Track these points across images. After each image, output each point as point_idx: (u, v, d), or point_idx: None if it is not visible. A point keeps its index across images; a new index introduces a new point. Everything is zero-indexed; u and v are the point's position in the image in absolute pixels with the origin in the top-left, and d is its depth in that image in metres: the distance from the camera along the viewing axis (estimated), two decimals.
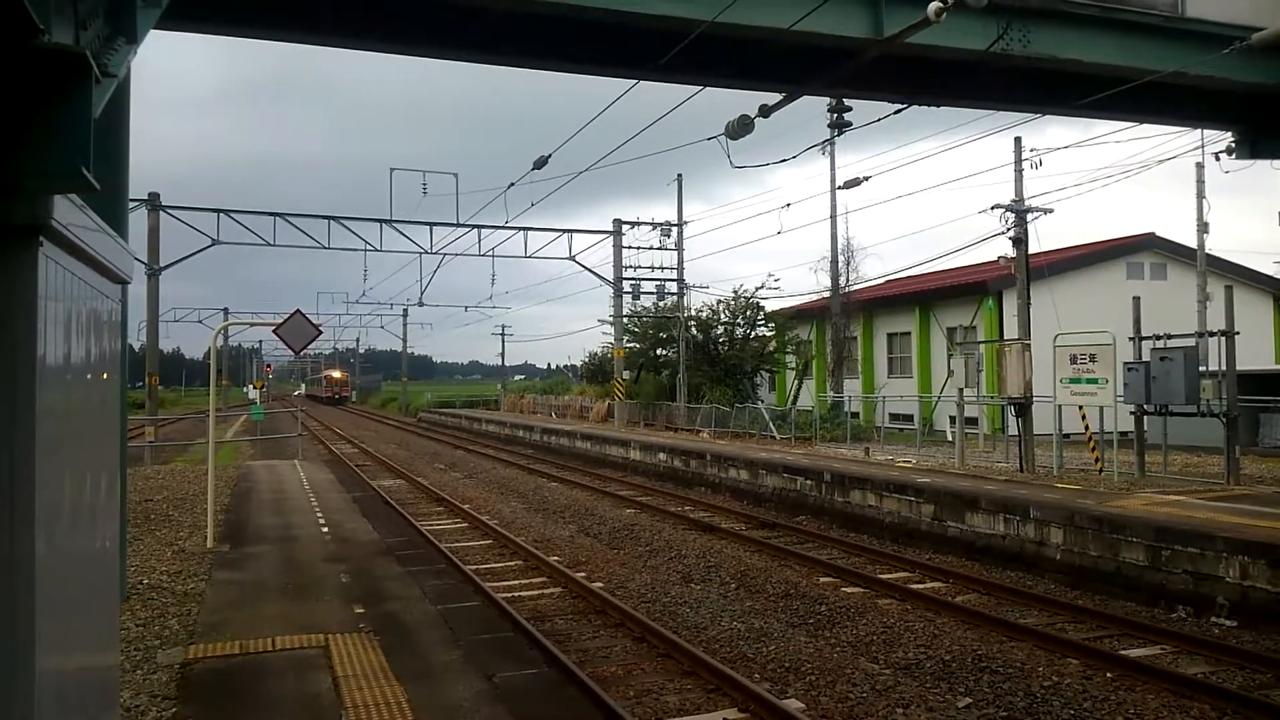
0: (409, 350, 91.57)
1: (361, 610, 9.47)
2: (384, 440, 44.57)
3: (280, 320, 14.55)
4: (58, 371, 3.17)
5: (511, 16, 10.50)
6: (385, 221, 33.74)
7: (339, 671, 7.42)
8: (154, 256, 31.44)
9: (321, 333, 15.74)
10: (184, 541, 13.41)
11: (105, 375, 4.06)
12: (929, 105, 13.43)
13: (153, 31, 7.18)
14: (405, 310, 75.72)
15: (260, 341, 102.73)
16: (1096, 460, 18.57)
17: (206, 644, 8.26)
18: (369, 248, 34.52)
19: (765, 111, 11.94)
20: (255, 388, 55.44)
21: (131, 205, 16.37)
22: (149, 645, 8.29)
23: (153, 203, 31.48)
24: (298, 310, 14.48)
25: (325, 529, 14.63)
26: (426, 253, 35.77)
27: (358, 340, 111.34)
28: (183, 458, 31.00)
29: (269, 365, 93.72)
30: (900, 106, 12.93)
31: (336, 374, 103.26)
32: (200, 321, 66.13)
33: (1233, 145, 15.02)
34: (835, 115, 31.86)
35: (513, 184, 24.71)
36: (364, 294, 77.65)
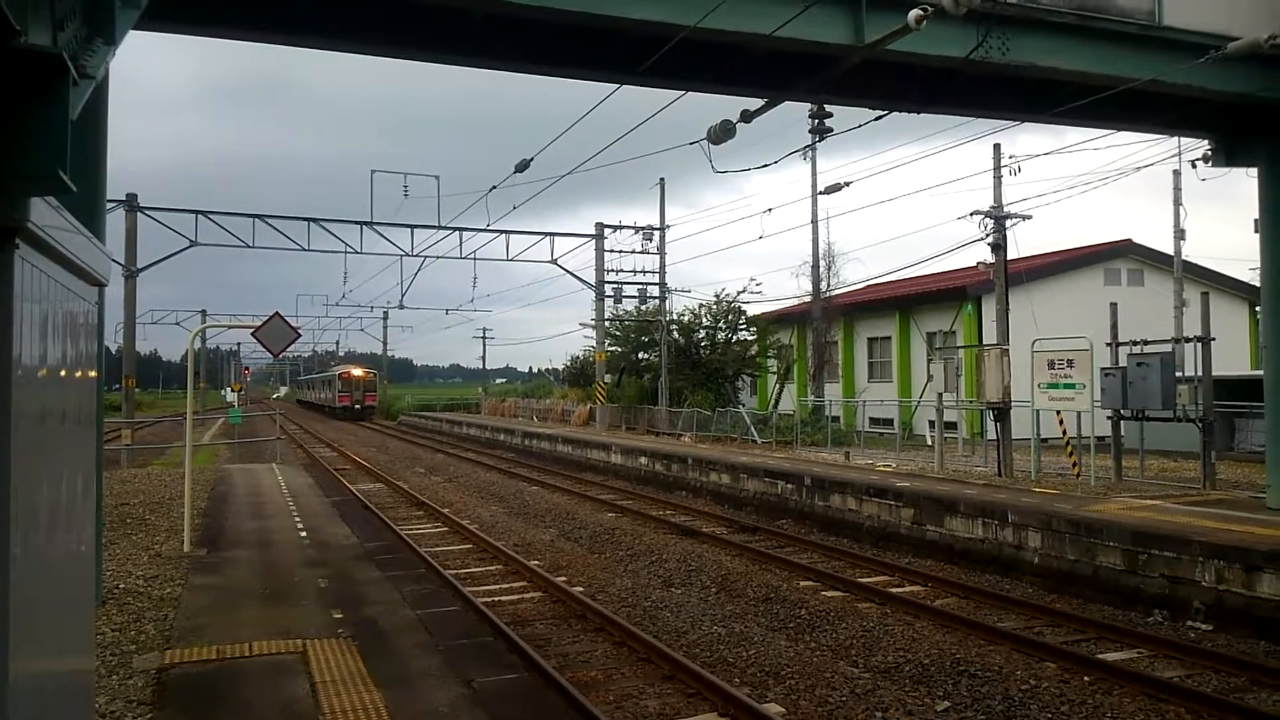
0: (389, 353, 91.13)
1: (340, 615, 9.42)
2: (363, 444, 44.36)
3: (259, 323, 14.46)
4: (33, 374, 3.15)
5: (493, 20, 10.48)
6: (365, 224, 33.56)
7: (317, 677, 7.37)
8: (131, 258, 31.13)
9: (300, 335, 15.65)
10: (161, 546, 13.30)
11: (81, 377, 4.02)
12: (910, 112, 13.51)
13: (131, 32, 7.13)
14: (385, 313, 75.53)
15: (239, 344, 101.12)
16: (1074, 465, 18.72)
17: (183, 649, 8.19)
18: (349, 250, 34.34)
19: (747, 117, 11.97)
20: (233, 390, 55.07)
21: (109, 206, 16.26)
22: (125, 650, 8.21)
23: (130, 204, 31.19)
24: (276, 313, 14.38)
25: (303, 533, 14.53)
26: (407, 255, 35.60)
27: (337, 343, 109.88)
28: (160, 461, 30.75)
29: (247, 368, 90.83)
30: (881, 113, 12.99)
31: (358, 371, 72.59)
32: (178, 324, 65.46)
33: (1209, 153, 15.17)
34: (816, 121, 32.08)
35: (494, 187, 24.70)
36: (344, 296, 77.26)
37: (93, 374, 4.36)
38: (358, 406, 69.12)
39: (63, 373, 3.64)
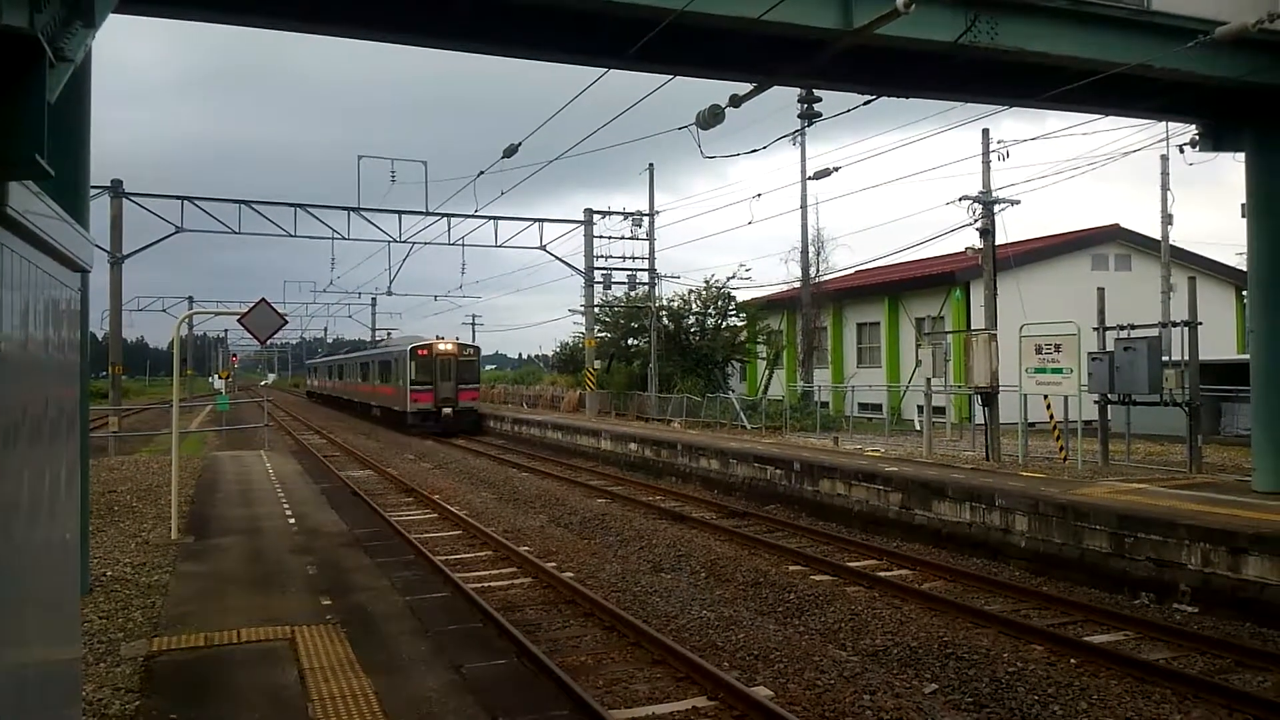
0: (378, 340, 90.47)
1: (329, 602, 9.40)
2: (352, 430, 44.22)
3: (246, 309, 14.37)
4: (14, 362, 3.11)
5: (478, 2, 10.41)
6: (353, 210, 33.41)
7: (305, 664, 7.36)
8: (117, 244, 30.94)
9: (288, 322, 15.58)
10: (148, 533, 13.25)
11: (64, 365, 3.98)
12: (899, 96, 13.49)
13: (113, 17, 7.05)
14: (374, 299, 74.97)
15: (226, 330, 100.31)
16: (1061, 449, 18.80)
17: (171, 636, 8.17)
18: (336, 236, 34.20)
19: (736, 101, 11.93)
20: (220, 377, 54.81)
21: (93, 192, 16.11)
22: (112, 638, 8.18)
23: (115, 190, 30.98)
24: (263, 299, 14.29)
25: (292, 520, 14.49)
26: (395, 241, 35.47)
27: (325, 330, 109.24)
28: (147, 448, 30.62)
29: (235, 354, 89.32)
30: (870, 97, 12.96)
31: (447, 345, 40.84)
32: (164, 310, 65.12)
33: (1197, 138, 15.20)
34: (805, 106, 32.00)
35: (482, 172, 24.53)
36: (331, 283, 76.83)
37: (76, 361, 4.32)
38: (448, 412, 38.35)
39: (45, 360, 3.60)
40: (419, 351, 39.45)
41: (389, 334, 61.40)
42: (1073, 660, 8.81)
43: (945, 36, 11.15)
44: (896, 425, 27.78)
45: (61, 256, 3.77)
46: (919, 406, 23.60)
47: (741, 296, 41.22)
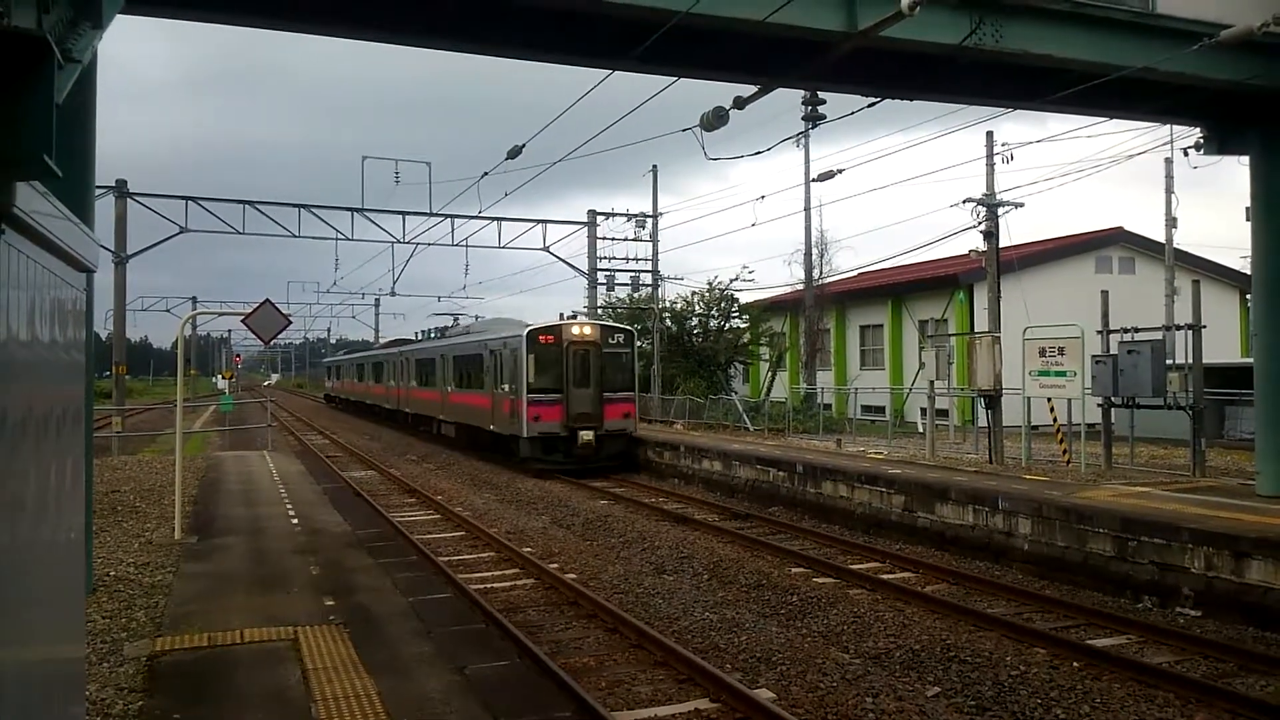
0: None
1: (332, 602, 9.41)
2: (354, 431, 44.22)
3: (249, 310, 14.39)
4: (20, 361, 3.12)
5: (482, 4, 10.43)
6: (357, 210, 33.41)
7: (308, 664, 7.37)
8: (121, 244, 30.94)
9: (291, 322, 15.62)
10: (151, 533, 13.26)
11: (69, 364, 3.99)
12: (903, 99, 13.49)
13: (121, 19, 7.07)
14: (377, 300, 75.09)
15: (229, 331, 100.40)
16: (1064, 452, 18.77)
17: (174, 636, 8.18)
18: (340, 237, 34.20)
19: (740, 103, 11.94)
20: (224, 377, 54.85)
21: (98, 192, 16.16)
22: (115, 638, 8.20)
23: (120, 190, 30.99)
24: (267, 300, 14.32)
25: (295, 521, 14.51)
26: (399, 242, 35.47)
27: (329, 330, 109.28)
28: (150, 448, 30.65)
29: (238, 355, 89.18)
30: (874, 100, 12.96)
31: (583, 329, 25.26)
32: (168, 311, 65.19)
33: (1201, 141, 15.18)
34: (810, 108, 31.97)
35: (486, 173, 24.60)
36: (335, 283, 76.86)
37: (81, 361, 4.33)
38: (587, 437, 24.42)
39: (50, 360, 3.61)
40: (542, 337, 25.00)
41: (455, 319, 44.04)
42: (1076, 664, 8.80)
43: (950, 39, 11.15)
44: (899, 428, 27.75)
45: (67, 256, 3.78)
46: (922, 409, 23.58)
47: (744, 298, 41.27)
